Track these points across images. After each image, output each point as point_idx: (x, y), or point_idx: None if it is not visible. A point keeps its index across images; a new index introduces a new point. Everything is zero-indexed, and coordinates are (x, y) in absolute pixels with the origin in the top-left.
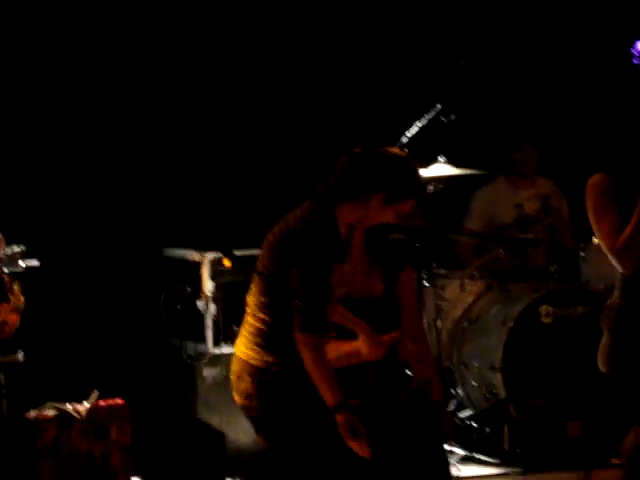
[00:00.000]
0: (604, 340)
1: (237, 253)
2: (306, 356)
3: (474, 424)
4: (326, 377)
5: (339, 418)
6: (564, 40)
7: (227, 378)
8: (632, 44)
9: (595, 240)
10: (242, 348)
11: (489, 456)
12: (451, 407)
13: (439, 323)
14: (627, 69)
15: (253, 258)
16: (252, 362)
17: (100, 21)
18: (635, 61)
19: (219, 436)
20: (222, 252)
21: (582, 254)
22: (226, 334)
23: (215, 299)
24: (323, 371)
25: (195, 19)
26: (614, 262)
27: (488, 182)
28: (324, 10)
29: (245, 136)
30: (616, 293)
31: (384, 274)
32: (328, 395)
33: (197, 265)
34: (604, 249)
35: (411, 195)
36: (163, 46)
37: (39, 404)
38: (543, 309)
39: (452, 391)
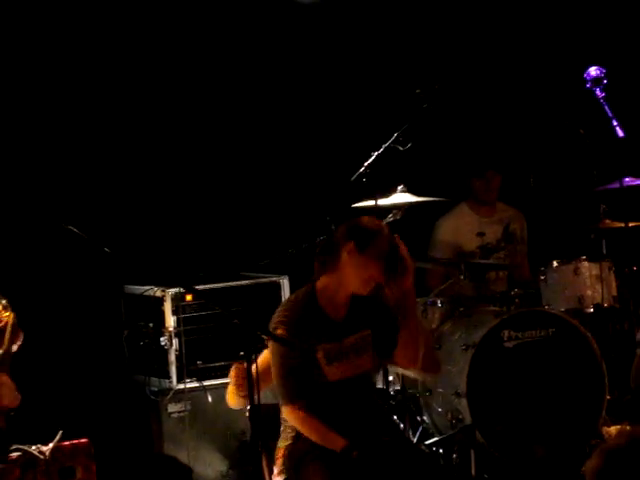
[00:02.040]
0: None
1: (199, 287)
2: (298, 423)
3: (440, 450)
4: (324, 430)
5: (355, 454)
6: (521, 66)
7: (192, 413)
8: (584, 70)
9: (555, 263)
10: None
11: None
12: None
13: None
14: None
15: (215, 291)
16: None
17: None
18: (588, 86)
19: (186, 471)
20: (184, 287)
21: (542, 277)
22: (190, 369)
23: (178, 334)
24: (319, 427)
25: (199, 24)
26: None
27: (450, 209)
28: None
29: (201, 170)
30: None
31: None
32: (336, 441)
33: (159, 301)
34: None
35: (379, 235)
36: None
37: (2, 447)
38: (505, 334)
39: (418, 418)
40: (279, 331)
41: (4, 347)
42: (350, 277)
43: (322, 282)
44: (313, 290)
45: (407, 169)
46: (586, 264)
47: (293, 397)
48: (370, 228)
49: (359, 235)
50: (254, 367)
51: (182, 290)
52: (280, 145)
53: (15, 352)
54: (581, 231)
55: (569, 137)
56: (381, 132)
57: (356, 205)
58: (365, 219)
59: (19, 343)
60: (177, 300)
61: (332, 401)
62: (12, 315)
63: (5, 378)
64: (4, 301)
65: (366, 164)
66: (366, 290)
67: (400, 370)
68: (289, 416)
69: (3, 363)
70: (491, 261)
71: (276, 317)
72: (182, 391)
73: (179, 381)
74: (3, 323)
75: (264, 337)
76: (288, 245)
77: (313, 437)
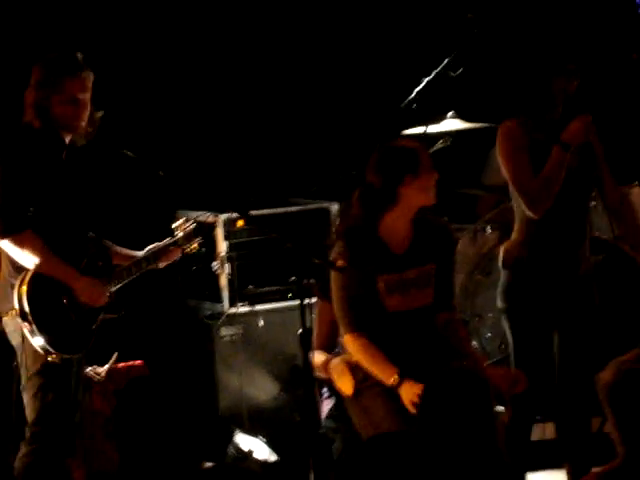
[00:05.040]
0: (503, 277)
1: (252, 213)
2: (356, 351)
3: None
4: (381, 360)
5: (401, 390)
6: None
7: (244, 336)
8: None
9: None
10: None
11: None
12: None
13: None
14: None
15: (267, 217)
16: None
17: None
18: None
19: (238, 393)
20: (237, 212)
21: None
22: (241, 293)
23: (230, 259)
24: (376, 356)
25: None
26: (525, 207)
27: None
28: None
29: (257, 97)
30: (515, 235)
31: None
32: (387, 373)
33: (211, 226)
34: (517, 194)
35: (419, 148)
36: (157, 35)
37: None
38: None
39: None
40: (340, 262)
41: None
42: (414, 201)
43: (383, 216)
44: (374, 221)
45: (458, 95)
46: (637, 190)
47: (353, 326)
48: (410, 148)
49: (406, 164)
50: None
51: (235, 215)
52: (331, 72)
53: None
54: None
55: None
56: (432, 58)
57: (406, 132)
58: (397, 144)
59: None
60: (229, 225)
61: (393, 332)
62: None
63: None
64: None
65: (416, 90)
66: (434, 198)
67: None
68: (349, 345)
69: None
70: None
71: (336, 248)
72: (234, 315)
73: (231, 305)
74: None
75: (323, 264)
76: (338, 171)
77: (368, 366)
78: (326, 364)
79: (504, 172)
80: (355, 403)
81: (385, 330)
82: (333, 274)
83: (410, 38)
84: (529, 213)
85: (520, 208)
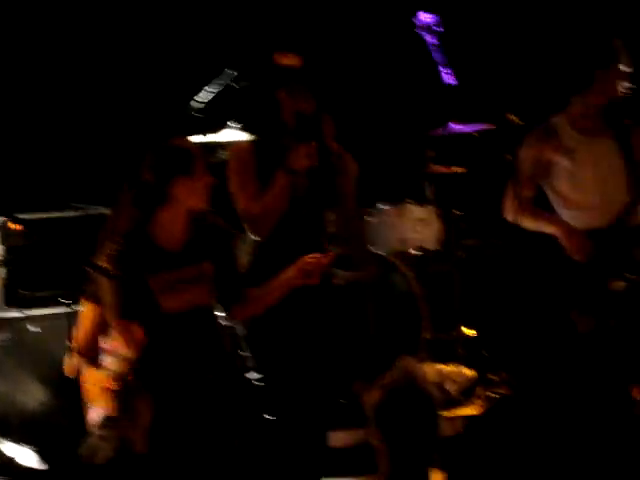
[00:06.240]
0: None
1: (24, 217)
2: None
3: None
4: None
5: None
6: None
7: (15, 342)
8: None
9: (380, 205)
10: None
11: None
12: None
13: None
14: None
15: (46, 222)
16: None
17: None
18: (419, 31)
19: (6, 399)
20: (8, 217)
21: (368, 219)
22: (13, 298)
23: (6, 263)
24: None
25: None
26: (249, 229)
27: None
28: None
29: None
30: (248, 258)
31: None
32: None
33: None
34: (241, 215)
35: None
36: None
37: None
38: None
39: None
40: (106, 265)
41: None
42: (187, 202)
43: (156, 215)
44: (146, 220)
45: (241, 106)
46: (411, 207)
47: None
48: (185, 148)
49: (179, 163)
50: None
51: (6, 219)
52: (116, 76)
53: None
54: (409, 175)
55: (399, 82)
56: (213, 68)
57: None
58: (172, 143)
59: None
60: (4, 229)
61: (170, 333)
62: None
63: None
64: None
65: (198, 98)
66: (205, 202)
67: None
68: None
69: None
70: None
71: (103, 251)
72: (5, 320)
73: (2, 310)
74: None
75: (91, 271)
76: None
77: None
78: (81, 369)
79: (232, 193)
80: (125, 406)
81: (162, 331)
82: (103, 280)
83: (193, 44)
84: (253, 236)
85: None
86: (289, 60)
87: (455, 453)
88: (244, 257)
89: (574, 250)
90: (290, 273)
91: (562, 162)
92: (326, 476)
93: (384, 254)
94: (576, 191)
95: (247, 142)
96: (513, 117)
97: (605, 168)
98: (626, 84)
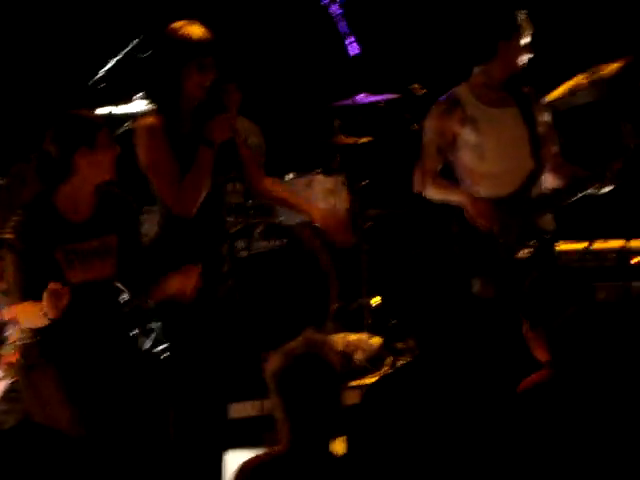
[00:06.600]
0: None
1: None
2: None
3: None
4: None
5: None
6: None
7: None
8: None
9: (290, 176)
10: None
11: None
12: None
13: None
14: None
15: None
16: None
17: None
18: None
19: None
20: None
21: None
22: None
23: None
24: None
25: None
26: (173, 210)
27: None
28: None
29: None
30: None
31: None
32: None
33: None
34: (162, 199)
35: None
36: None
37: None
38: (239, 244)
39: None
40: (9, 236)
41: None
42: (91, 174)
43: (60, 187)
44: (50, 191)
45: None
46: (319, 177)
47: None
48: (87, 119)
49: (82, 134)
50: None
51: None
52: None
53: None
54: (316, 145)
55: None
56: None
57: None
58: (76, 114)
59: None
60: None
61: (75, 304)
62: None
63: None
64: None
65: (104, 70)
66: (110, 174)
67: None
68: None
69: None
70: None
71: (7, 223)
72: None
73: None
74: None
75: None
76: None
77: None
78: None
79: (146, 173)
80: (27, 379)
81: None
82: (6, 252)
83: (101, 15)
84: (178, 214)
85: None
86: (199, 33)
87: (354, 421)
88: (152, 228)
89: (478, 217)
90: (170, 286)
91: (466, 133)
92: (228, 448)
93: (292, 225)
94: (480, 161)
95: (155, 117)
96: (417, 86)
97: (508, 138)
98: (528, 55)
